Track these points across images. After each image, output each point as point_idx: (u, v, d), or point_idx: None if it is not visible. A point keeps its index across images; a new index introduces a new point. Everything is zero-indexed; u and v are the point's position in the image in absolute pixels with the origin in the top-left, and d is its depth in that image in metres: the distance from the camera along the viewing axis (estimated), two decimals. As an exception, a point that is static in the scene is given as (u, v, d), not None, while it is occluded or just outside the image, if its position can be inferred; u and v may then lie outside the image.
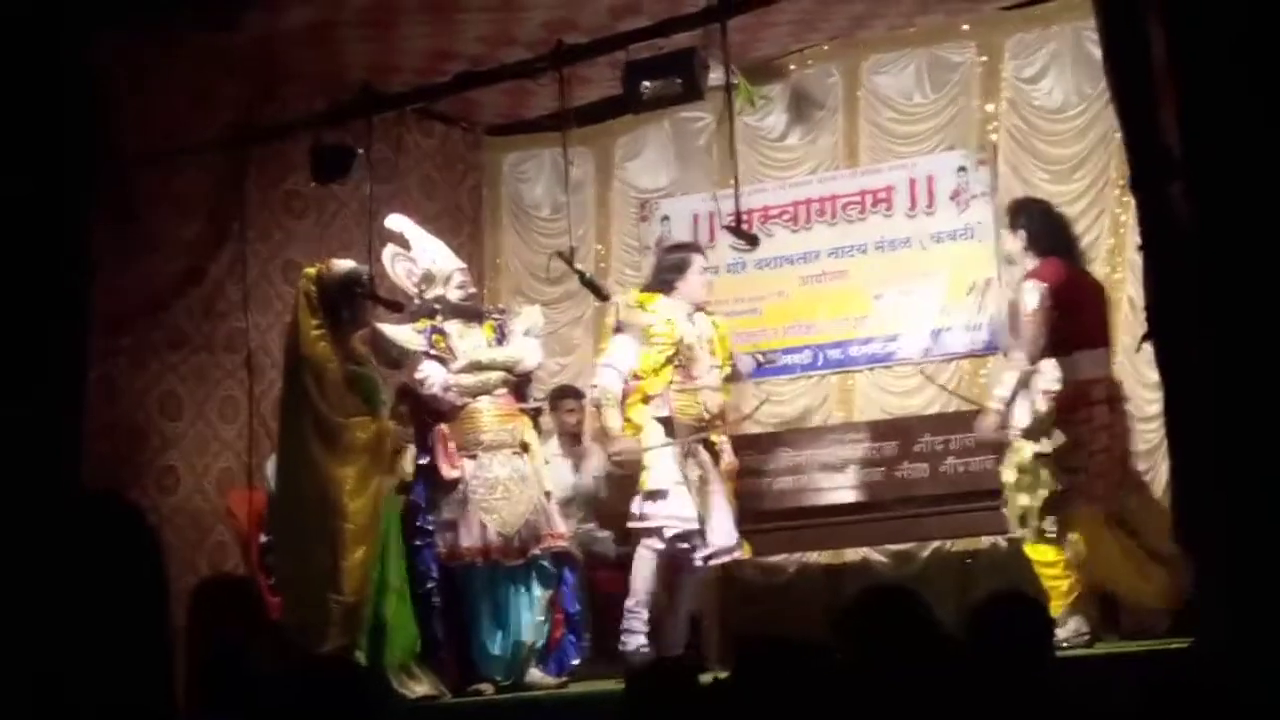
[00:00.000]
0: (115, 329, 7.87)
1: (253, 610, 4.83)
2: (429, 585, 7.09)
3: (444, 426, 7.19)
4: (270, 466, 7.71)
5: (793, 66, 9.19)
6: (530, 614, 7.17)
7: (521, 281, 9.91)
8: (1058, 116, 8.46)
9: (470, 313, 7.46)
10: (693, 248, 7.65)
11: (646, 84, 6.96)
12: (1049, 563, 6.69)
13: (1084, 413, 6.71)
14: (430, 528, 7.12)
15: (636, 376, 7.24)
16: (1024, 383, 6.70)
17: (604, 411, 7.28)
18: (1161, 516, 7.49)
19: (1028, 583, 6.66)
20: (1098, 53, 6.73)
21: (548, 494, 7.38)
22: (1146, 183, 5.36)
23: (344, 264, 7.23)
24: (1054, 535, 6.63)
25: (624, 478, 8.34)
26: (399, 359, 7.24)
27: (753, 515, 8.47)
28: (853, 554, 8.55)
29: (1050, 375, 6.67)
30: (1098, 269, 8.20)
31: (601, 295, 7.83)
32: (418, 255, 7.44)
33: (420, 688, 6.90)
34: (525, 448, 7.34)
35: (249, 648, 3.88)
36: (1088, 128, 8.31)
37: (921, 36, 8.88)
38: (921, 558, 8.44)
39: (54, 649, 1.58)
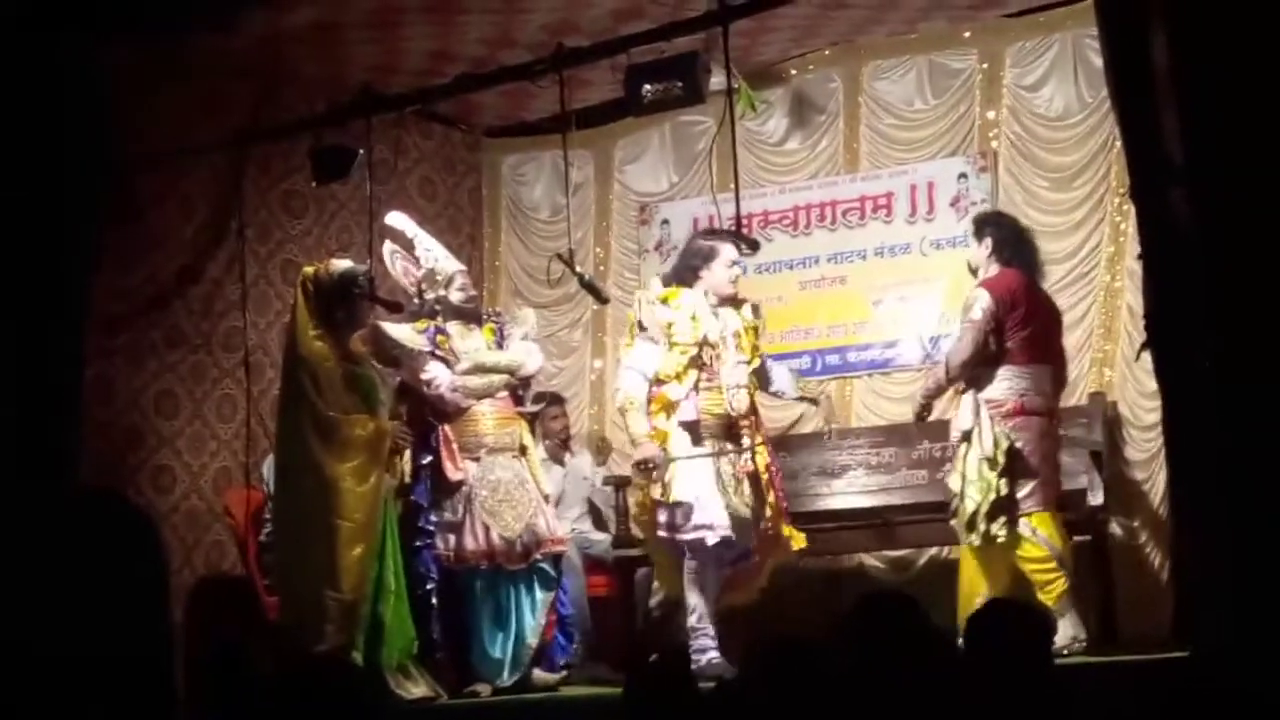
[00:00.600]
0: (113, 328, 7.88)
1: (250, 610, 4.83)
2: (428, 587, 7.08)
3: (447, 427, 7.18)
4: (268, 466, 7.71)
5: (794, 71, 9.19)
6: (532, 617, 7.17)
7: (520, 284, 9.91)
8: (1058, 124, 8.46)
9: (471, 315, 7.46)
10: (726, 236, 7.26)
11: (647, 87, 6.95)
12: (1039, 559, 6.70)
13: (1023, 420, 6.81)
14: (431, 528, 7.12)
15: (660, 380, 7.06)
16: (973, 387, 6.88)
17: (628, 417, 7.09)
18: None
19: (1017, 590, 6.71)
20: (1099, 61, 6.75)
21: (546, 497, 7.38)
22: (1147, 191, 5.37)
23: (342, 263, 7.23)
24: (1003, 537, 6.67)
25: (622, 482, 8.39)
26: (400, 358, 7.23)
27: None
28: (850, 560, 8.54)
29: (999, 384, 6.80)
30: (1098, 277, 8.22)
31: (601, 298, 7.83)
32: (420, 254, 7.43)
33: (417, 689, 6.89)
34: (524, 451, 7.34)
35: (246, 647, 3.88)
36: (1088, 135, 8.31)
37: (923, 43, 8.88)
38: (919, 564, 8.43)
39: (53, 648, 1.57)
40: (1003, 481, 6.68)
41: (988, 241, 7.02)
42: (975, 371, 6.85)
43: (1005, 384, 6.82)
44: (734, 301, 7.27)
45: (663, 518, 7.03)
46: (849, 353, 8.94)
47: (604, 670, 7.82)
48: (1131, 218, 6.81)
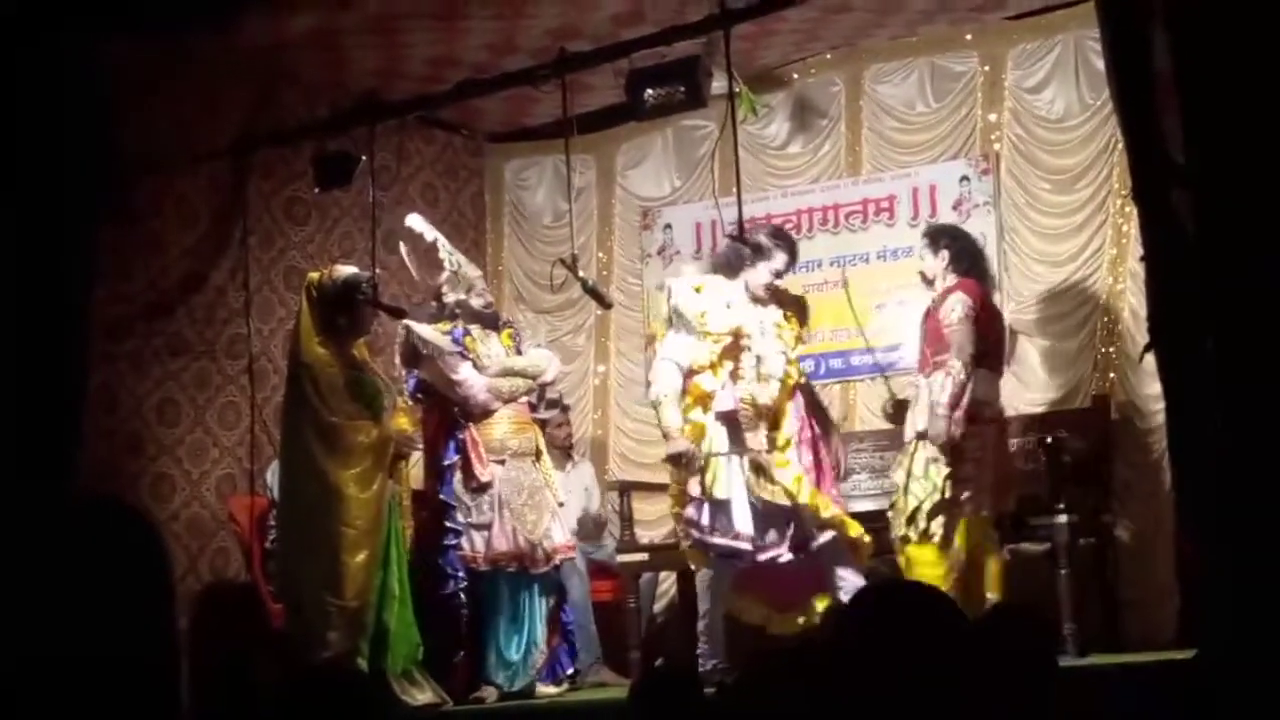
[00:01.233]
0: (116, 334, 7.87)
1: (255, 617, 4.84)
2: (455, 587, 7.08)
3: (474, 429, 7.19)
4: (272, 473, 7.71)
5: (795, 75, 9.19)
6: (542, 623, 7.21)
7: (523, 289, 9.92)
8: (1060, 126, 8.46)
9: (489, 320, 7.50)
10: (787, 247, 7.15)
11: (649, 92, 6.96)
12: (930, 563, 6.73)
13: (975, 428, 6.85)
14: (459, 528, 7.12)
15: (693, 371, 6.93)
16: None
17: (660, 410, 6.96)
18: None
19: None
20: (1100, 63, 6.74)
21: (561, 504, 7.42)
22: (1149, 192, 5.37)
23: (346, 269, 7.24)
24: (939, 536, 6.68)
25: (626, 487, 8.40)
26: (432, 357, 7.21)
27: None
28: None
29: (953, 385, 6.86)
30: (1100, 279, 8.22)
31: (604, 303, 7.84)
32: (443, 257, 7.45)
33: (423, 695, 6.90)
34: (539, 456, 7.38)
35: (251, 655, 3.88)
36: (1090, 138, 8.31)
37: (924, 46, 8.88)
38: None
39: (58, 655, 1.58)
40: (948, 483, 6.76)
41: (944, 254, 7.09)
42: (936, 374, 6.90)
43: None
44: (776, 298, 7.19)
45: (693, 514, 6.92)
46: (852, 356, 8.93)
47: (609, 675, 7.82)
48: (1133, 219, 6.81)
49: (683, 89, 6.88)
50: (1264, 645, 4.54)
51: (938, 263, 7.09)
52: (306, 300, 7.06)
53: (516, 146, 10.04)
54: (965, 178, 8.66)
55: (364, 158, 7.55)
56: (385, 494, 6.96)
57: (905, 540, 6.84)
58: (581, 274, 7.47)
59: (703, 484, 6.85)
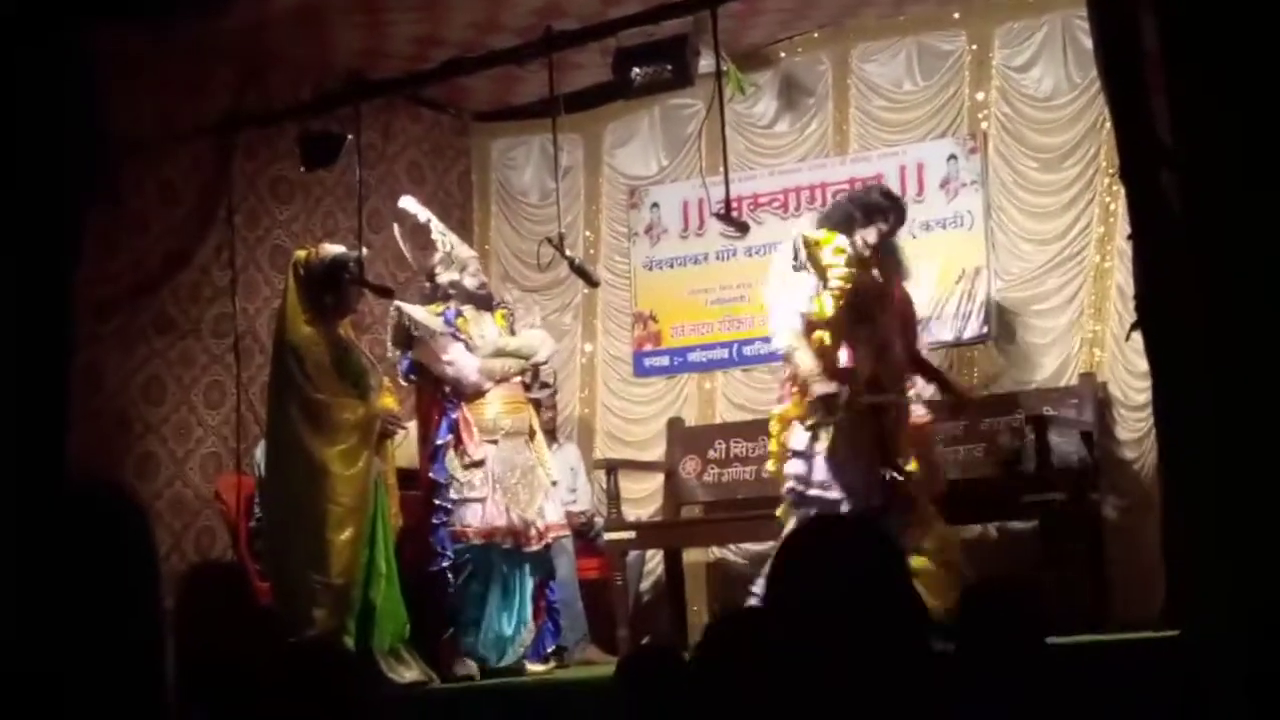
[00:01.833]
0: (101, 313, 7.85)
1: (242, 596, 4.81)
2: (444, 564, 7.08)
3: (466, 408, 7.19)
4: (259, 452, 7.70)
5: (783, 54, 9.17)
6: (529, 601, 7.22)
7: (510, 268, 9.90)
8: (1048, 105, 8.45)
9: (483, 301, 7.49)
10: (897, 209, 7.01)
11: (636, 71, 6.95)
12: None
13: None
14: (449, 506, 7.11)
15: (812, 324, 6.73)
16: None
17: (796, 355, 6.70)
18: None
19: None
20: (1088, 41, 6.73)
21: (554, 484, 7.44)
22: (1136, 171, 5.36)
23: (333, 249, 7.23)
24: None
25: (613, 465, 8.40)
26: (422, 338, 7.20)
27: (739, 503, 8.51)
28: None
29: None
30: (1087, 257, 8.22)
31: (591, 282, 7.85)
32: (436, 238, 7.44)
33: (409, 673, 6.90)
34: (532, 436, 7.39)
35: (238, 633, 3.86)
36: (1078, 116, 8.30)
37: (911, 24, 8.86)
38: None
39: (42, 635, 1.57)
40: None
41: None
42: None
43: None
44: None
45: (803, 469, 6.72)
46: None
47: (595, 653, 7.84)
48: (1121, 198, 6.82)
49: (670, 68, 6.87)
50: (1251, 623, 4.55)
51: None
52: (293, 279, 7.05)
53: (503, 126, 10.01)
54: (953, 156, 8.65)
55: (350, 137, 7.53)
56: (371, 472, 6.95)
57: None
58: (569, 253, 7.47)
59: (815, 439, 6.69)
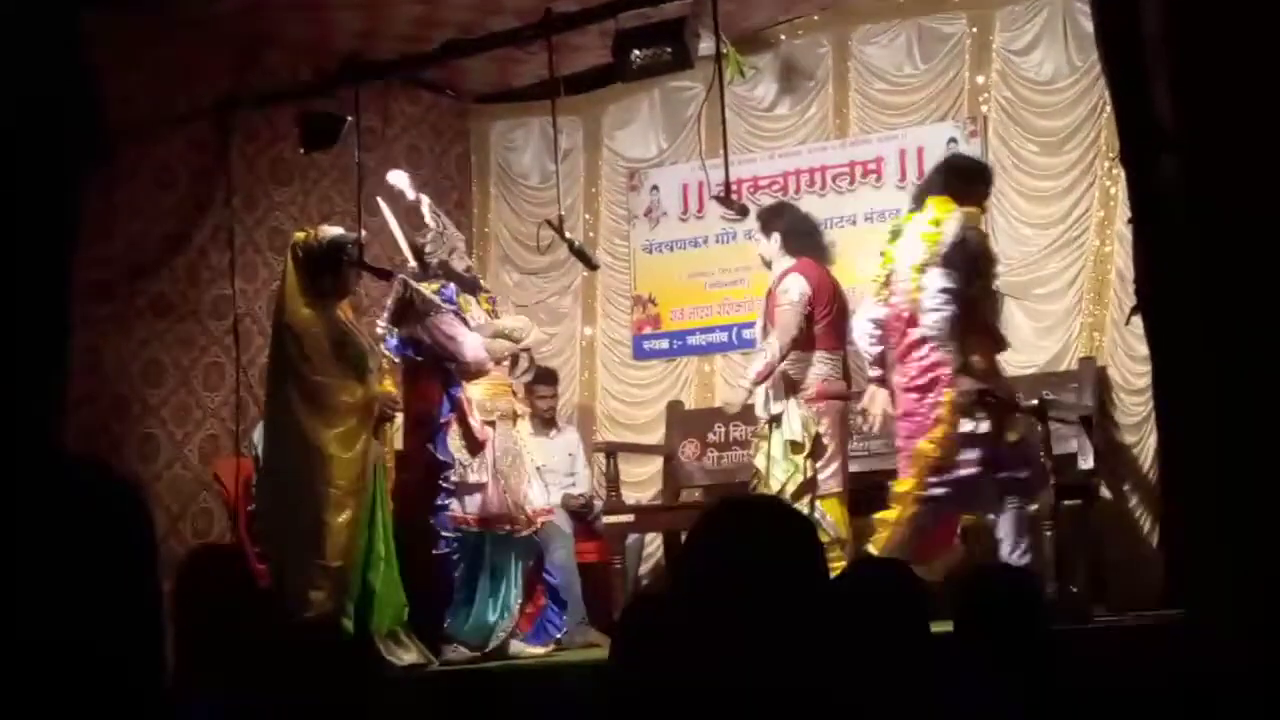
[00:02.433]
0: (100, 296, 7.84)
1: (241, 578, 4.84)
2: (446, 548, 7.06)
3: (468, 388, 7.18)
4: (258, 434, 7.70)
5: (783, 36, 9.16)
6: (517, 586, 7.22)
7: (510, 250, 9.90)
8: (1048, 88, 8.44)
9: (470, 284, 7.47)
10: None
11: (636, 53, 6.93)
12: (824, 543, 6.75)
13: (825, 405, 7.10)
14: (451, 487, 7.10)
15: None
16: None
17: None
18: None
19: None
20: (1088, 25, 6.73)
21: (539, 468, 7.43)
22: (1136, 155, 5.36)
23: (332, 230, 7.21)
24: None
25: (612, 449, 8.40)
26: (430, 313, 7.16)
27: (739, 487, 8.49)
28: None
29: (802, 368, 7.08)
30: (1088, 241, 8.22)
31: (590, 264, 7.84)
32: (428, 216, 7.42)
33: (408, 655, 6.90)
34: (515, 419, 7.38)
35: (237, 616, 3.87)
36: (1078, 100, 8.29)
37: (912, 7, 8.85)
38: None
39: (37, 617, 1.57)
40: (808, 464, 6.96)
41: (776, 236, 7.32)
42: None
43: (809, 369, 7.10)
44: None
45: (981, 453, 6.56)
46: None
47: (595, 636, 7.84)
48: (1121, 182, 6.81)
49: (669, 50, 6.85)
50: (1248, 606, 4.55)
51: (771, 245, 7.34)
52: (291, 261, 7.03)
53: (503, 108, 10.00)
54: (953, 140, 8.63)
55: (350, 118, 7.52)
56: (370, 455, 6.94)
57: None
58: (568, 235, 7.45)
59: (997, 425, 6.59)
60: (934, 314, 6.57)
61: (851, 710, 2.50)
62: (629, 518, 8.19)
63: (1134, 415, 7.84)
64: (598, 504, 8.56)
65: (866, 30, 8.96)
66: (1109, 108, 6.86)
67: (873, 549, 6.59)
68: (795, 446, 7.01)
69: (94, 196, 7.51)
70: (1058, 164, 8.36)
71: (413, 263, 7.35)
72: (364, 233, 7.29)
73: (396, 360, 7.30)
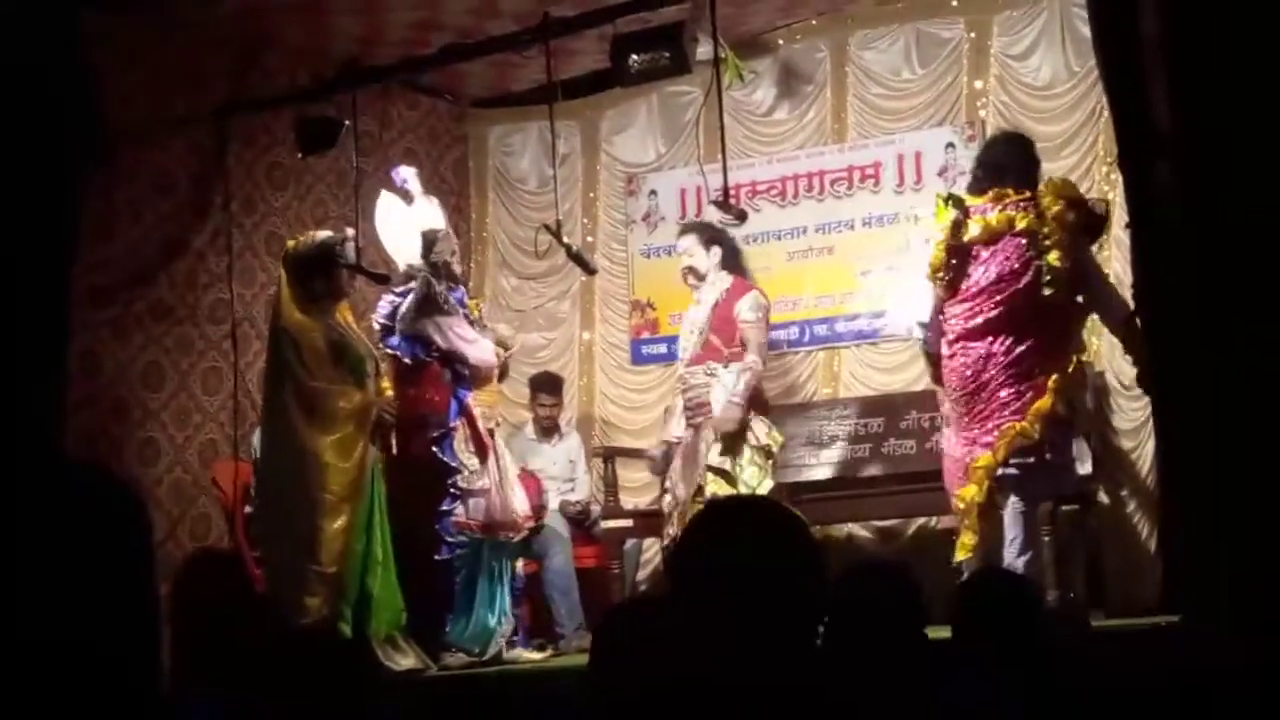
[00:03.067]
0: (99, 300, 7.84)
1: (238, 583, 4.83)
2: (449, 553, 7.05)
3: (472, 394, 7.18)
4: (257, 438, 7.70)
5: (781, 41, 9.16)
6: (510, 591, 7.23)
7: (508, 255, 9.90)
8: (1046, 93, 8.45)
9: (463, 289, 7.48)
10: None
11: (634, 58, 6.94)
12: None
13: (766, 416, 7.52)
14: (458, 492, 7.09)
15: None
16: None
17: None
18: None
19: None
20: (1086, 29, 6.73)
21: (528, 471, 7.49)
22: (1134, 159, 5.37)
23: (322, 234, 7.21)
24: None
25: (611, 453, 8.40)
26: (448, 313, 7.14)
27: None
28: (839, 530, 8.55)
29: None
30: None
31: (588, 269, 7.85)
32: (439, 216, 7.41)
33: (406, 660, 6.90)
34: (498, 425, 7.43)
35: (234, 621, 3.87)
36: (1076, 104, 8.30)
37: (910, 12, 8.86)
38: (907, 534, 8.45)
39: (39, 621, 1.57)
40: (770, 466, 7.35)
41: (716, 250, 7.60)
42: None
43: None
44: None
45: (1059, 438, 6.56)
46: (837, 323, 8.93)
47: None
48: (1119, 186, 6.80)
49: (667, 55, 6.86)
50: (1246, 610, 4.55)
51: (710, 259, 7.58)
52: (285, 268, 7.03)
53: (501, 112, 10.00)
54: (951, 144, 8.65)
55: (347, 123, 7.52)
56: (367, 460, 6.94)
57: None
58: (566, 240, 7.45)
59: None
60: None
61: (846, 711, 2.50)
62: (627, 523, 8.19)
63: (1132, 420, 7.83)
64: (595, 509, 8.56)
65: (865, 35, 8.97)
66: (1107, 112, 6.86)
67: (968, 542, 6.49)
68: (765, 452, 7.31)
69: (94, 199, 7.51)
70: (1056, 169, 8.30)
71: (402, 267, 7.30)
72: (358, 235, 7.26)
73: (407, 360, 7.19)
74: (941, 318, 6.63)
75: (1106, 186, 8.10)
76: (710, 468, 7.24)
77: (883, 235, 8.81)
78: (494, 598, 7.18)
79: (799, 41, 9.14)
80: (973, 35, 8.68)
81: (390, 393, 7.15)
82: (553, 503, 8.28)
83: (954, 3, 8.75)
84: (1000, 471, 6.40)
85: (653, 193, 9.52)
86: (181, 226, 8.30)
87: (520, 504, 7.26)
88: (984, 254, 6.48)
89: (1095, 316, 6.83)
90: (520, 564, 7.59)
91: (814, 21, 9.07)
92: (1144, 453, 7.64)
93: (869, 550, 8.45)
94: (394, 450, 7.16)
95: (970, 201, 6.58)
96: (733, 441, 7.29)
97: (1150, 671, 4.83)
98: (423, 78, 9.24)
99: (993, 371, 6.43)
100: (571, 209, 9.55)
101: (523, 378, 9.04)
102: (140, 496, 1.70)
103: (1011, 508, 6.39)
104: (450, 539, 7.05)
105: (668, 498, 7.48)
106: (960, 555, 6.46)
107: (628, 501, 8.63)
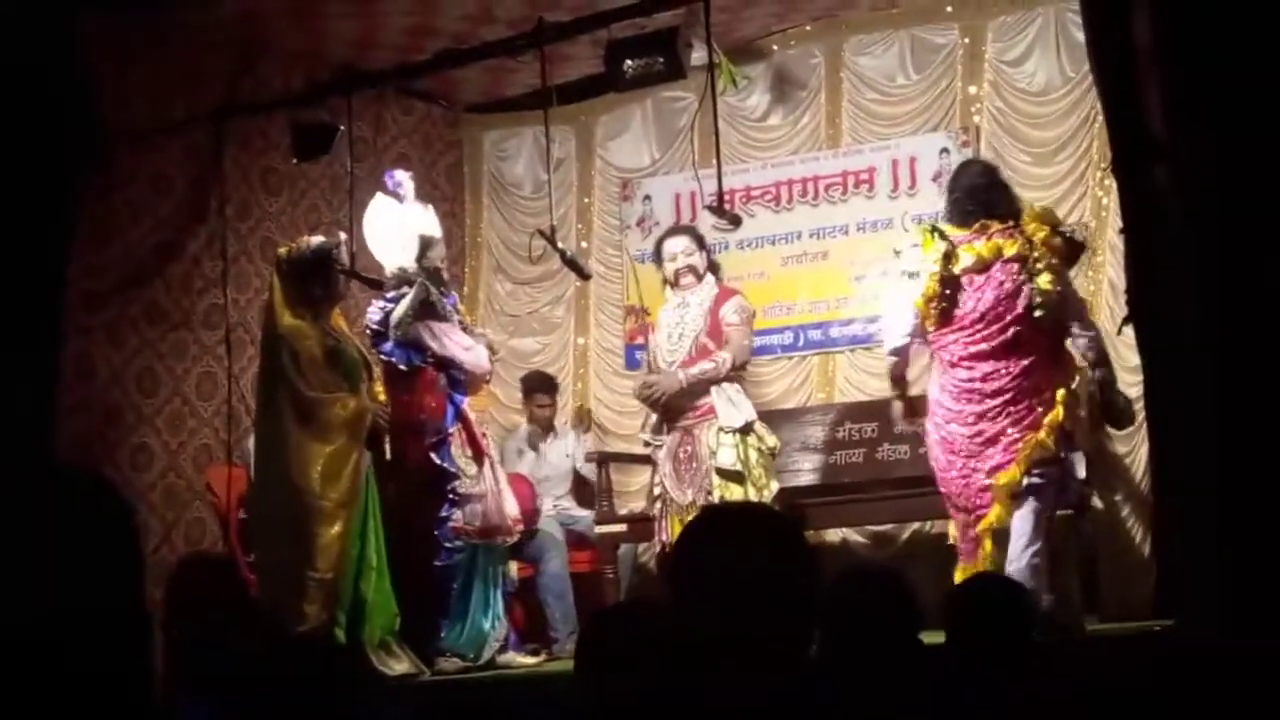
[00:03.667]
0: (93, 304, 7.84)
1: (232, 588, 4.81)
2: (447, 559, 7.04)
3: (467, 401, 7.18)
4: (251, 444, 7.68)
5: (775, 47, 9.16)
6: (502, 596, 7.23)
7: (502, 260, 9.90)
8: (1040, 99, 8.45)
9: (451, 291, 7.48)
10: None
11: (629, 63, 6.94)
12: None
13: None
14: (456, 498, 7.08)
15: None
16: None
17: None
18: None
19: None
20: (1081, 35, 6.75)
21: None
22: (1128, 165, 5.38)
23: (315, 240, 7.20)
24: None
25: (605, 458, 8.40)
26: (446, 319, 7.14)
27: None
28: (833, 535, 8.55)
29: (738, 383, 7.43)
30: (1079, 251, 8.22)
31: (582, 274, 7.85)
32: (435, 223, 7.41)
33: (400, 666, 6.89)
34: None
35: (228, 626, 3.86)
36: (1070, 110, 8.30)
37: (904, 18, 8.86)
38: (901, 539, 8.44)
39: (29, 627, 1.56)
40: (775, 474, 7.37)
41: (704, 255, 7.60)
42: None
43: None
44: None
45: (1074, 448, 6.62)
46: (831, 328, 8.94)
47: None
48: (1113, 192, 6.82)
49: (662, 60, 6.86)
50: (1241, 614, 4.56)
51: (700, 260, 7.55)
52: (278, 275, 7.00)
53: (495, 117, 10.00)
54: (945, 150, 8.65)
55: (342, 128, 7.51)
56: (362, 466, 6.93)
57: None
58: (560, 245, 7.45)
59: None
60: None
61: (840, 717, 2.50)
62: (622, 527, 8.18)
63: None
64: (586, 513, 8.55)
65: (859, 40, 8.97)
66: (1101, 118, 6.87)
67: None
68: (771, 454, 7.34)
69: (92, 201, 7.52)
70: (1050, 174, 8.36)
71: (389, 270, 7.29)
72: (351, 240, 7.25)
73: (401, 366, 7.16)
74: (932, 345, 6.64)
75: (1101, 192, 8.11)
76: (720, 470, 7.18)
77: (877, 240, 8.79)
78: (488, 602, 7.18)
79: (793, 47, 9.15)
80: (967, 41, 8.68)
81: (383, 398, 7.15)
82: (547, 507, 8.28)
83: (949, 9, 8.75)
84: (1025, 482, 6.41)
85: (647, 198, 9.52)
86: (177, 230, 8.30)
87: (512, 507, 7.27)
88: (977, 280, 6.49)
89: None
90: (514, 568, 7.59)
91: (808, 27, 9.08)
92: (1138, 458, 7.63)
93: (863, 555, 8.45)
94: (388, 455, 7.16)
95: (952, 233, 6.58)
96: (733, 441, 7.23)
97: (1144, 675, 4.84)
98: (417, 83, 9.25)
99: (1001, 388, 6.46)
100: (566, 214, 9.55)
101: (515, 381, 9.04)
102: (132, 502, 1.70)
103: (1026, 509, 6.41)
104: (448, 545, 7.05)
105: (658, 504, 7.46)
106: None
107: (622, 506, 8.63)
